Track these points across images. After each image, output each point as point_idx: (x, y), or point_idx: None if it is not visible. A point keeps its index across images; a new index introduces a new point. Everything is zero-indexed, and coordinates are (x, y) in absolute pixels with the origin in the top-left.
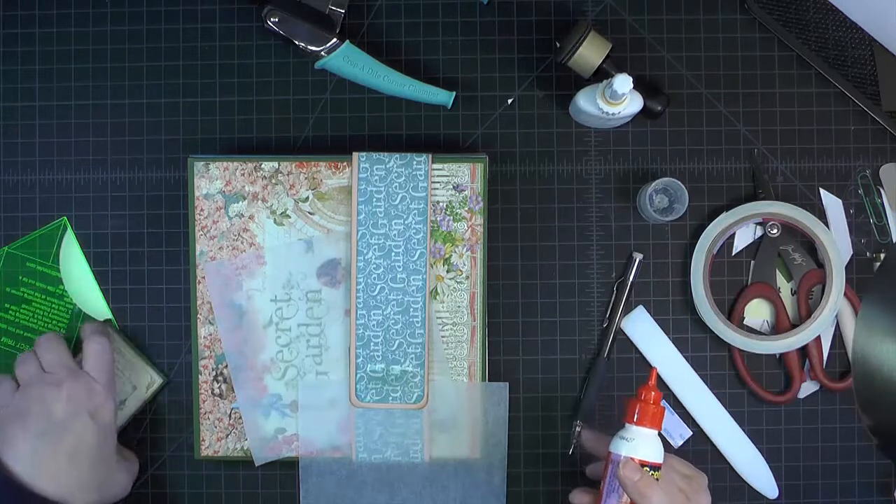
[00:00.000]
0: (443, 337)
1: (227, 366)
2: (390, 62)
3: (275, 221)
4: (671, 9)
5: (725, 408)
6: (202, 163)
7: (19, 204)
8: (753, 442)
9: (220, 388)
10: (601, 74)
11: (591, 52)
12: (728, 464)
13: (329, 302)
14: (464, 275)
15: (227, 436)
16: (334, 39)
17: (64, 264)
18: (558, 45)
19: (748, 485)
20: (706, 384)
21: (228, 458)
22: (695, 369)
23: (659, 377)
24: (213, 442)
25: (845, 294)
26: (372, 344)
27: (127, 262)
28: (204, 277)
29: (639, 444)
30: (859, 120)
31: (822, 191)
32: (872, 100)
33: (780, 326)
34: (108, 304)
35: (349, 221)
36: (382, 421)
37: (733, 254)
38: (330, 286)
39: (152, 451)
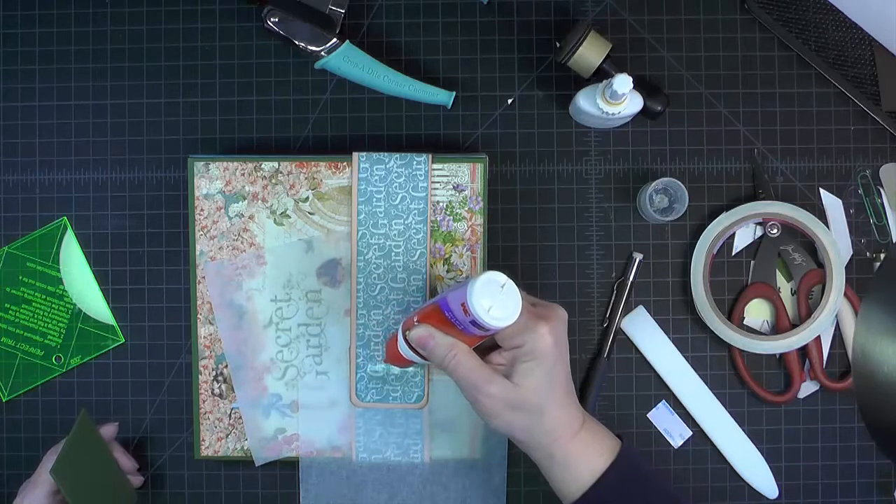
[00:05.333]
0: None
1: (227, 366)
2: (390, 62)
3: (275, 221)
4: (671, 9)
5: (725, 408)
6: (202, 163)
7: (19, 204)
8: (753, 442)
9: (220, 388)
10: (601, 74)
11: (591, 52)
12: (728, 464)
13: (329, 302)
14: (464, 275)
15: (227, 436)
16: (334, 39)
17: (64, 264)
18: (558, 45)
19: (748, 485)
20: (706, 384)
21: (228, 458)
22: (695, 369)
23: (659, 377)
24: (213, 442)
25: (845, 294)
26: (372, 344)
27: (127, 262)
28: (204, 277)
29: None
30: (859, 120)
31: (822, 191)
32: (872, 100)
33: (780, 326)
34: (108, 304)
35: (349, 221)
36: (382, 421)
37: (733, 254)
38: (330, 286)
39: (152, 451)
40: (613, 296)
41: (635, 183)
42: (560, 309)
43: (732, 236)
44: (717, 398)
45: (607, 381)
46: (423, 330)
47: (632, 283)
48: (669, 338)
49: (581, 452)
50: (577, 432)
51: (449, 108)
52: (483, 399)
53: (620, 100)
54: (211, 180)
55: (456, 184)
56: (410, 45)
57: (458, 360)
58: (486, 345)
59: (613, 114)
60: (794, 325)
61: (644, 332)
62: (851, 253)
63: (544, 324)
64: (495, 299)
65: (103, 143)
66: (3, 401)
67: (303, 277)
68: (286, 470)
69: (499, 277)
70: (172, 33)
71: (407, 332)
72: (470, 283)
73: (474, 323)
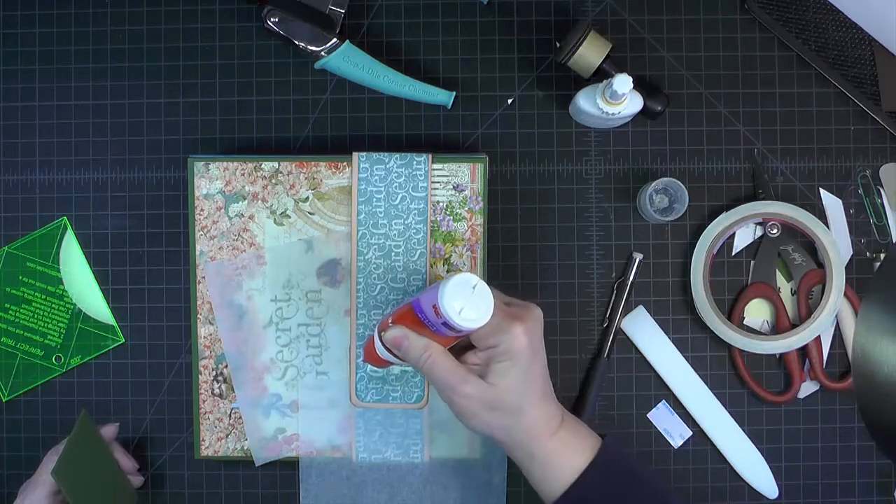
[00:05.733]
0: None
1: (227, 366)
2: (390, 62)
3: (275, 221)
4: (671, 9)
5: (725, 408)
6: (202, 163)
7: (19, 204)
8: (753, 442)
9: (220, 388)
10: (601, 74)
11: (591, 52)
12: (728, 464)
13: (329, 302)
14: None
15: (227, 436)
16: (334, 39)
17: (64, 264)
18: (558, 45)
19: (748, 485)
20: (706, 384)
21: (228, 458)
22: (695, 369)
23: (659, 377)
24: (213, 442)
25: (845, 294)
26: None
27: (127, 262)
28: (204, 277)
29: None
30: (859, 120)
31: (822, 191)
32: (872, 100)
33: (780, 326)
34: (108, 304)
35: (349, 221)
36: (382, 421)
37: (733, 254)
38: (330, 286)
39: (152, 451)
40: (613, 296)
41: (635, 183)
42: (535, 308)
43: (732, 236)
44: (717, 398)
45: (607, 381)
46: (397, 331)
47: (632, 283)
48: (669, 338)
49: (561, 451)
50: (556, 431)
51: (449, 108)
52: (459, 399)
53: (620, 100)
54: (211, 180)
55: (456, 184)
56: (410, 45)
57: (433, 360)
58: (462, 344)
59: (613, 114)
60: (794, 325)
61: (644, 332)
62: (851, 253)
63: (519, 324)
64: (467, 300)
65: (103, 143)
66: (3, 401)
67: (303, 277)
68: (286, 470)
69: (470, 279)
70: (172, 33)
71: (382, 333)
72: (441, 285)
73: (446, 324)
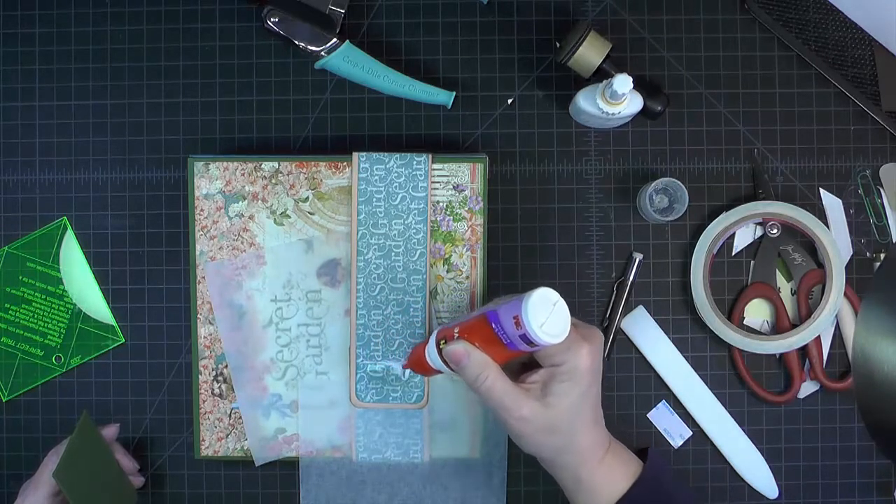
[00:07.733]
0: None
1: (227, 366)
2: (390, 62)
3: (275, 221)
4: (671, 9)
5: (725, 408)
6: (202, 163)
7: (19, 204)
8: (753, 442)
9: (220, 388)
10: (601, 74)
11: (591, 52)
12: (728, 464)
13: (329, 302)
14: (464, 275)
15: (227, 436)
16: (334, 39)
17: (64, 264)
18: (558, 45)
19: (748, 485)
20: (706, 384)
21: (228, 458)
22: (695, 369)
23: (659, 377)
24: (213, 442)
25: (845, 294)
26: (372, 344)
27: (127, 262)
28: (204, 277)
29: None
30: (859, 120)
31: (822, 191)
32: (872, 100)
33: (780, 326)
34: (108, 304)
35: (349, 221)
36: (382, 421)
37: (733, 254)
38: (330, 286)
39: (152, 451)
40: (613, 296)
41: (635, 183)
42: (599, 332)
43: (732, 236)
44: (717, 398)
45: (607, 381)
46: (460, 346)
47: (632, 283)
48: (669, 338)
49: (607, 477)
50: (603, 458)
51: (449, 108)
52: (514, 422)
53: (620, 100)
54: (211, 180)
55: (456, 184)
56: (410, 45)
57: (490, 382)
58: (518, 363)
59: (613, 114)
60: (794, 325)
61: (644, 332)
62: (851, 253)
63: (586, 345)
64: (548, 316)
65: (103, 143)
66: (3, 401)
67: (303, 277)
68: (286, 470)
69: (551, 295)
70: (172, 33)
71: (442, 343)
72: (525, 298)
73: (524, 337)
